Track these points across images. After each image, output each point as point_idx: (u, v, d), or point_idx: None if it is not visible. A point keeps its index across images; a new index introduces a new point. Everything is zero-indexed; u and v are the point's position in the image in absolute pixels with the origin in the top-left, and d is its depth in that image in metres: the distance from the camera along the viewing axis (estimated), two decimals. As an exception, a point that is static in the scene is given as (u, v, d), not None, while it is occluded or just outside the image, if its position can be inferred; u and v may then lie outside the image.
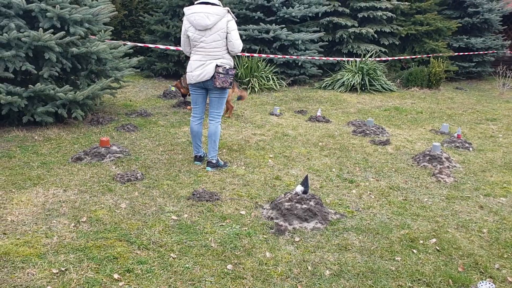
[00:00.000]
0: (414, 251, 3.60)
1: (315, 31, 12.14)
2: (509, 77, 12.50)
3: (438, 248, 3.66)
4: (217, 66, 4.88)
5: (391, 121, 8.24)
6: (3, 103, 5.86)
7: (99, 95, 7.03)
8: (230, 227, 3.83)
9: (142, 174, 4.89)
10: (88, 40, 7.01)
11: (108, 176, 4.84)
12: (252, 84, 10.38)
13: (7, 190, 4.33)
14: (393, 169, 5.56)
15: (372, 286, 3.13)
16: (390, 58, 12.76)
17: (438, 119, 8.66)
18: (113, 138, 6.23)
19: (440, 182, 5.16)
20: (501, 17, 14.43)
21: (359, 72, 11.36)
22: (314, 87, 11.63)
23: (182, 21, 5.14)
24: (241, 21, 11.35)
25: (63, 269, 3.09)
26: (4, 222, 3.70)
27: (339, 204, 4.45)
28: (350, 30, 12.36)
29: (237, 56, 10.24)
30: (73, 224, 3.74)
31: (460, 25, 13.87)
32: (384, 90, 11.39)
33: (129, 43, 8.41)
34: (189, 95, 8.07)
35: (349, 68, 11.67)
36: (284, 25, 11.37)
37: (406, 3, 13.33)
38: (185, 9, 4.95)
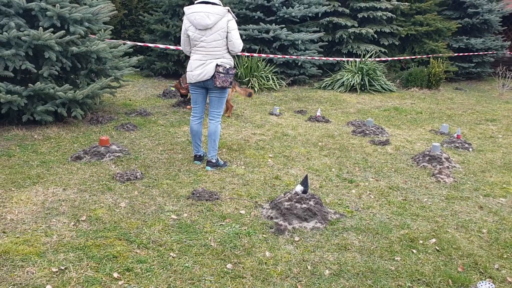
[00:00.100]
0: (414, 251, 3.60)
1: (315, 31, 12.14)
2: (508, 77, 12.52)
3: (437, 248, 3.66)
4: (217, 65, 4.88)
5: (390, 121, 8.25)
6: (3, 102, 5.86)
7: (99, 94, 7.03)
8: (229, 227, 3.83)
9: (141, 173, 4.89)
10: (88, 39, 7.01)
11: (107, 175, 4.83)
12: (252, 84, 10.38)
13: (7, 189, 4.33)
14: (392, 169, 5.56)
15: (372, 286, 3.13)
16: (390, 59, 12.77)
17: (437, 119, 8.66)
18: (113, 137, 6.22)
19: (440, 183, 5.16)
20: (500, 18, 14.44)
21: (359, 72, 11.36)
22: (313, 87, 11.63)
23: (182, 21, 5.14)
24: (241, 21, 11.35)
25: (62, 267, 3.09)
26: (3, 221, 3.70)
27: (339, 204, 4.45)
28: (350, 30, 12.36)
29: (237, 55, 10.23)
30: (72, 223, 3.74)
31: (460, 25, 13.88)
32: (383, 91, 11.39)
33: (129, 43, 8.40)
34: (189, 97, 8.12)
35: (348, 68, 11.67)
36: (284, 25, 11.37)
37: (406, 3, 13.34)
38: (185, 9, 4.95)
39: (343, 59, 12.00)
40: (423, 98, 10.96)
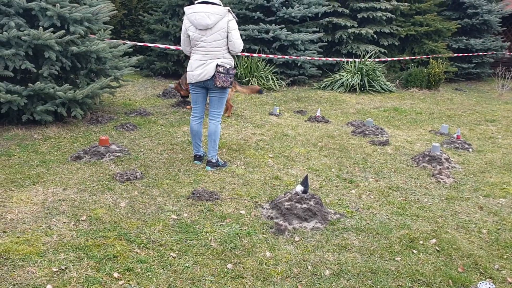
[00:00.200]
0: (414, 251, 3.61)
1: (314, 32, 12.15)
2: (508, 78, 12.53)
3: (438, 249, 3.66)
4: (217, 65, 4.88)
5: (390, 122, 8.25)
6: (3, 101, 5.85)
7: (99, 94, 7.03)
8: (230, 227, 3.83)
9: (141, 173, 4.89)
10: (87, 39, 7.00)
11: (107, 175, 4.83)
12: (251, 84, 10.38)
13: (7, 189, 4.32)
14: (392, 170, 5.56)
15: (372, 286, 3.13)
16: (389, 59, 12.77)
17: (437, 120, 8.67)
18: (113, 137, 6.22)
19: (440, 183, 5.17)
20: (500, 19, 14.46)
21: (358, 72, 11.36)
22: (313, 87, 11.64)
23: (181, 21, 5.14)
24: (241, 21, 11.35)
25: (63, 267, 3.09)
26: (3, 220, 3.70)
27: (339, 204, 4.45)
28: (350, 30, 12.36)
29: (237, 56, 10.23)
30: (72, 223, 3.73)
31: (460, 26, 13.90)
32: (383, 91, 11.40)
33: (129, 42, 8.40)
34: (188, 97, 8.11)
35: (348, 69, 11.67)
36: (283, 25, 11.37)
37: (406, 4, 13.35)
38: (186, 8, 4.95)
39: (343, 59, 12.02)
40: (422, 98, 10.97)
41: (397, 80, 12.52)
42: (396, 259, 3.47)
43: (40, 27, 6.05)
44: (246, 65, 10.59)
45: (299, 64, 11.44)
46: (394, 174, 5.43)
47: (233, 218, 4.00)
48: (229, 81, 4.92)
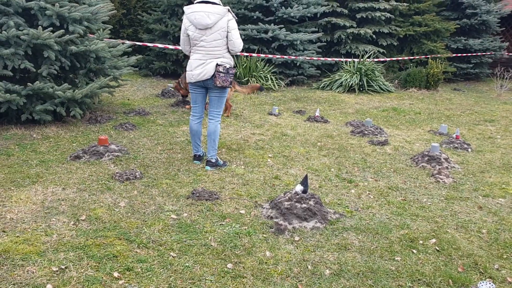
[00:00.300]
0: (414, 251, 3.61)
1: (313, 32, 12.15)
2: (506, 78, 12.55)
3: (437, 248, 3.66)
4: (217, 65, 4.87)
5: (389, 122, 8.25)
6: (2, 101, 5.84)
7: (98, 93, 7.02)
8: (230, 226, 3.83)
9: (141, 173, 4.88)
10: (87, 38, 6.99)
11: (106, 174, 4.83)
12: (250, 84, 10.38)
13: (6, 188, 4.32)
14: (391, 170, 5.56)
15: (372, 286, 3.13)
16: (388, 59, 12.78)
17: (436, 120, 8.68)
18: (112, 136, 6.21)
19: (439, 183, 5.17)
20: (499, 19, 14.48)
21: (357, 72, 11.37)
22: (312, 87, 11.64)
23: (180, 20, 5.14)
24: (240, 20, 11.34)
25: (63, 267, 3.08)
26: (3, 220, 3.69)
27: (338, 203, 4.45)
28: (349, 30, 12.37)
29: (236, 55, 10.23)
30: (72, 222, 3.73)
31: (458, 26, 13.91)
32: (382, 91, 11.40)
33: (128, 42, 8.39)
34: (188, 96, 8.11)
35: (347, 69, 11.68)
36: (282, 25, 11.37)
37: (405, 4, 13.36)
38: (185, 8, 4.94)
39: (342, 59, 12.02)
40: (421, 98, 10.98)
41: (396, 80, 12.53)
42: (396, 258, 3.48)
43: (39, 26, 6.05)
44: (245, 65, 10.59)
45: (298, 64, 11.44)
46: (394, 174, 5.43)
47: (233, 217, 4.00)
48: (229, 80, 4.92)
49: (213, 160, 5.19)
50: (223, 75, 4.86)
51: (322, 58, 11.97)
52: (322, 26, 12.60)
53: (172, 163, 5.28)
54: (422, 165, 5.69)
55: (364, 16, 12.58)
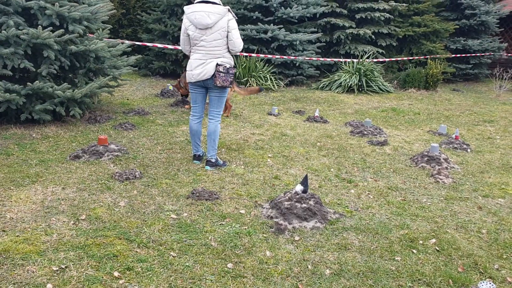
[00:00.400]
0: (414, 251, 3.61)
1: (312, 32, 12.16)
2: (505, 79, 12.57)
3: (437, 249, 3.67)
4: (217, 65, 4.87)
5: (388, 122, 8.26)
6: (2, 100, 5.84)
7: (97, 93, 7.01)
8: (230, 226, 3.83)
9: (140, 172, 4.88)
10: (86, 38, 6.99)
11: (106, 174, 4.82)
12: (250, 84, 10.39)
13: (6, 188, 4.31)
14: (391, 170, 5.57)
15: (373, 285, 3.13)
16: (387, 59, 12.79)
17: (435, 120, 8.68)
18: (111, 136, 6.21)
19: (439, 183, 5.18)
20: (498, 20, 14.49)
21: (356, 73, 11.37)
22: (311, 87, 11.64)
23: (180, 20, 5.14)
24: (239, 21, 11.33)
25: (63, 266, 3.08)
26: (3, 219, 3.69)
27: (338, 203, 4.46)
28: (348, 31, 12.38)
29: (235, 55, 10.23)
30: (72, 222, 3.72)
31: (457, 27, 13.92)
32: (381, 91, 11.41)
33: (127, 42, 8.39)
34: (188, 96, 8.11)
35: (346, 69, 11.68)
36: (282, 26, 11.37)
37: (404, 4, 13.35)
38: (185, 8, 4.94)
39: (341, 60, 12.03)
40: (420, 99, 10.99)
41: (395, 81, 12.53)
42: (396, 258, 3.48)
43: (39, 26, 6.04)
44: (244, 65, 10.59)
45: (297, 64, 11.44)
46: (393, 174, 5.43)
47: (233, 217, 4.00)
48: (229, 80, 4.92)
49: (213, 160, 5.19)
50: (223, 75, 4.86)
51: (321, 59, 11.98)
52: (321, 27, 12.61)
53: (171, 163, 5.28)
54: (422, 165, 5.69)
55: (364, 17, 12.59)
